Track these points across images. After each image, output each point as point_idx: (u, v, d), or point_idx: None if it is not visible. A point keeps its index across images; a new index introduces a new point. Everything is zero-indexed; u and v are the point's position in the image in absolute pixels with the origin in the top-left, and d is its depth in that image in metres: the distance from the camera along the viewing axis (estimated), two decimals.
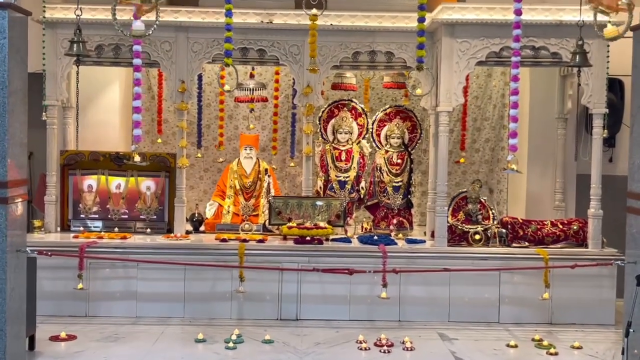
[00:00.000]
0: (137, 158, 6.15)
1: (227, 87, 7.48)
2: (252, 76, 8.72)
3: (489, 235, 7.43)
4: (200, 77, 8.69)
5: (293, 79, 7.79)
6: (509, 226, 7.46)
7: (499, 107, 9.11)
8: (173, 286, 7.14)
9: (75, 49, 5.84)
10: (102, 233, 7.54)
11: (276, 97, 8.97)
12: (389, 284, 6.76)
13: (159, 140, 9.01)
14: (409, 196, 8.16)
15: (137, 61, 5.88)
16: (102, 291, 7.15)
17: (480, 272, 7.12)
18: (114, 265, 7.15)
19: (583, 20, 6.05)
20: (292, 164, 9.05)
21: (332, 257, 7.15)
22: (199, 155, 9.03)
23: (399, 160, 8.12)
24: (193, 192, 9.16)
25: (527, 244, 7.39)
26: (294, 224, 7.39)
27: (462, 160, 8.87)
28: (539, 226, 7.49)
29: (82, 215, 7.88)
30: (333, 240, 7.48)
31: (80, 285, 6.73)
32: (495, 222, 7.55)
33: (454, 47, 7.25)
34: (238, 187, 8.20)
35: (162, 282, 7.15)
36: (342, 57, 7.64)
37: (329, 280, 7.04)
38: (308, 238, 7.22)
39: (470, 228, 7.45)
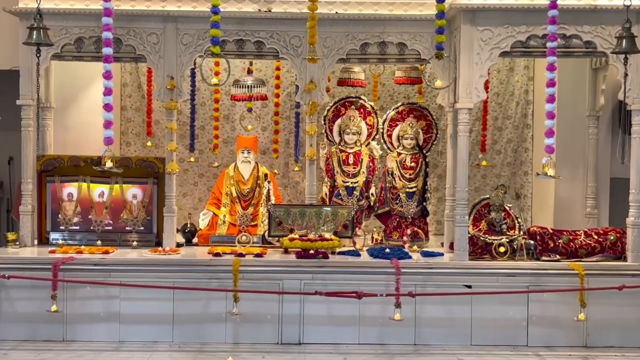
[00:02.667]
0: (108, 164, 5.38)
1: (214, 80, 6.73)
2: (249, 72, 8.12)
3: (515, 247, 6.72)
4: (193, 74, 8.02)
5: (295, 74, 7.13)
6: (538, 237, 6.74)
7: (522, 104, 8.53)
8: (160, 307, 6.48)
9: (35, 36, 5.06)
10: (82, 247, 6.83)
11: (277, 95, 8.35)
12: (403, 303, 6.12)
13: (149, 144, 8.42)
14: (424, 203, 7.51)
15: (107, 50, 5.17)
16: (80, 313, 6.48)
17: (506, 290, 6.42)
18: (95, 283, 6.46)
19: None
20: (296, 169, 8.50)
21: (339, 273, 6.50)
22: (192, 159, 8.46)
23: (413, 164, 7.48)
24: (187, 199, 8.58)
25: (558, 257, 6.67)
26: (296, 236, 6.85)
27: (483, 163, 8.17)
28: (571, 237, 6.75)
29: (61, 227, 7.22)
30: (340, 253, 6.87)
31: (54, 307, 6.18)
32: (521, 233, 6.83)
33: (475, 36, 6.55)
34: (235, 194, 7.58)
35: (148, 302, 6.47)
36: (349, 49, 7.01)
37: (336, 299, 6.33)
38: (312, 251, 6.62)
39: (494, 239, 6.73)
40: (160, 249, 6.84)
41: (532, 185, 8.44)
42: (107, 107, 5.27)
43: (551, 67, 5.13)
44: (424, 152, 7.57)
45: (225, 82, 6.90)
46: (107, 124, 5.27)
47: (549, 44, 5.09)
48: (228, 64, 6.30)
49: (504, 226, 6.80)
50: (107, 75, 5.30)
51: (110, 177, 7.16)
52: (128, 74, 8.49)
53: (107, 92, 5.28)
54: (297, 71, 6.99)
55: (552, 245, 6.68)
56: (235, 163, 7.69)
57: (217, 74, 7.89)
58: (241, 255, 6.62)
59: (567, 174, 7.78)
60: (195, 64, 7.21)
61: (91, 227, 7.20)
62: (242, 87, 7.75)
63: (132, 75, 8.48)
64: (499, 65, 8.06)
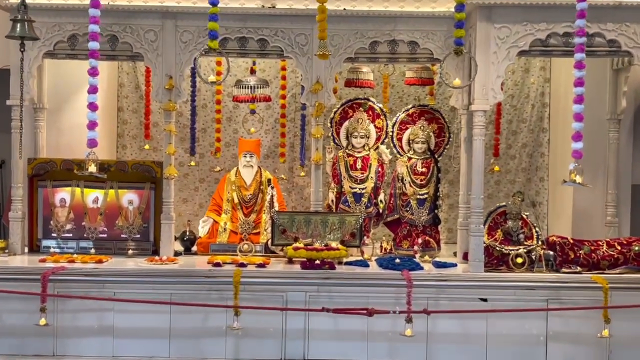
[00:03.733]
0: (92, 168, 5.01)
1: (212, 79, 6.37)
2: (252, 72, 7.82)
3: (534, 258, 6.34)
4: (193, 73, 7.72)
5: (301, 74, 6.82)
6: (557, 247, 6.36)
7: (538, 107, 8.26)
8: (157, 320, 6.11)
9: (18, 29, 4.69)
10: (75, 256, 6.48)
11: (283, 97, 8.08)
12: (415, 317, 5.76)
13: (147, 147, 8.15)
14: (436, 211, 7.18)
15: (93, 45, 4.80)
16: (72, 325, 6.12)
17: (524, 304, 6.08)
18: (87, 295, 6.08)
19: None
20: (301, 174, 8.21)
21: (346, 285, 6.13)
22: (193, 163, 8.19)
23: (424, 169, 7.15)
24: (187, 205, 8.32)
25: (579, 268, 6.29)
26: (301, 245, 6.52)
27: (496, 168, 7.85)
28: (593, 247, 6.38)
29: (53, 234, 6.89)
30: (347, 263, 6.51)
31: (42, 321, 5.82)
32: (539, 243, 6.46)
33: (491, 34, 6.19)
34: (236, 200, 7.26)
35: (144, 314, 6.09)
36: (358, 47, 6.66)
37: None
38: (317, 262, 6.25)
39: (510, 250, 6.37)
40: (157, 258, 6.49)
41: (549, 192, 8.13)
42: (92, 107, 4.91)
43: (579, 65, 4.76)
44: (436, 156, 7.24)
45: (224, 80, 6.55)
46: (91, 125, 4.91)
47: (577, 40, 4.73)
48: (227, 62, 5.94)
49: (522, 236, 6.44)
50: (93, 72, 4.94)
51: (105, 182, 6.81)
52: (125, 73, 8.21)
53: (92, 90, 4.92)
54: (303, 71, 6.66)
55: (572, 256, 6.32)
56: (237, 167, 7.37)
57: (218, 74, 7.57)
58: (242, 265, 6.28)
59: (586, 181, 7.29)
60: (195, 63, 6.88)
61: (85, 235, 6.87)
62: (245, 88, 7.47)
63: (130, 75, 8.21)
64: (513, 66, 7.71)
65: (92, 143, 5.02)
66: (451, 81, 6.36)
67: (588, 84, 7.07)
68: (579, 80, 4.78)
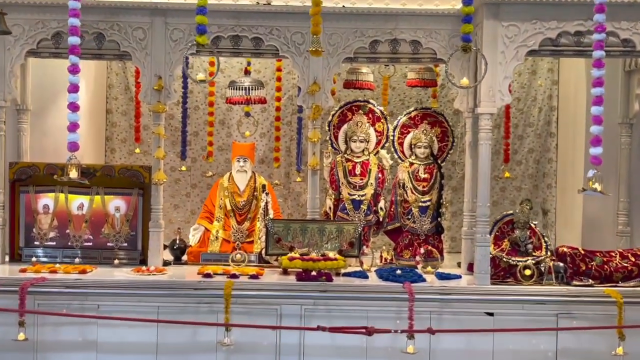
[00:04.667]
0: (72, 173, 4.66)
1: (200, 76, 6.04)
2: (247, 72, 7.57)
3: (543, 270, 6.02)
4: (185, 74, 7.33)
5: (297, 75, 6.53)
6: (568, 258, 6.04)
7: (546, 110, 8.03)
8: (143, 334, 5.77)
9: None
10: (58, 266, 6.13)
11: (278, 99, 7.85)
12: (417, 333, 5.45)
13: (137, 150, 7.89)
14: (439, 219, 6.89)
15: (73, 40, 4.43)
16: (53, 340, 5.78)
17: (532, 318, 5.76)
18: (69, 308, 5.76)
19: None
20: (297, 179, 7.98)
21: (344, 299, 5.83)
22: (184, 168, 7.93)
23: (427, 175, 6.88)
24: (178, 212, 8.09)
25: (591, 281, 5.97)
26: (297, 255, 6.24)
27: (507, 174, 7.61)
28: (605, 258, 6.06)
29: (36, 242, 6.54)
30: (345, 275, 6.23)
31: (21, 336, 5.52)
32: (549, 254, 6.16)
33: (499, 33, 5.89)
34: (229, 207, 6.95)
35: (129, 328, 5.74)
36: (357, 47, 6.35)
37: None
38: (314, 273, 5.97)
39: (518, 261, 6.05)
40: (144, 268, 6.15)
41: (557, 200, 7.85)
42: (72, 107, 4.55)
43: (598, 63, 4.42)
44: (439, 162, 6.95)
45: (214, 79, 6.24)
46: (72, 127, 4.56)
47: (596, 37, 4.41)
48: (217, 59, 5.62)
49: (530, 246, 6.13)
50: (73, 70, 4.58)
51: (90, 187, 6.48)
52: (114, 74, 7.93)
53: (73, 88, 4.57)
54: (299, 71, 6.36)
55: (583, 268, 5.99)
56: (230, 173, 7.07)
57: (211, 74, 7.24)
58: (234, 276, 5.94)
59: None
60: (186, 62, 6.57)
61: (69, 243, 6.52)
62: (239, 89, 7.16)
63: (119, 76, 7.94)
64: (520, 67, 7.43)
65: (73, 146, 4.67)
66: (458, 81, 6.00)
67: None
68: (597, 80, 4.44)
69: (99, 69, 7.71)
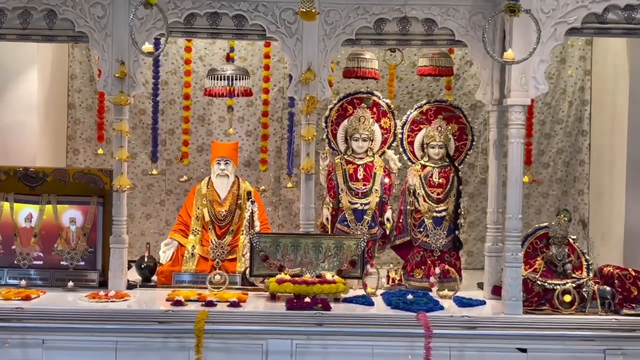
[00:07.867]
0: None
1: (147, 47, 5.13)
2: (229, 58, 6.74)
3: (586, 295, 5.20)
4: (156, 60, 6.74)
5: (288, 62, 5.82)
6: (616, 281, 5.27)
7: (577, 105, 7.30)
8: None
9: None
10: None
11: (266, 91, 7.20)
12: None
13: (100, 151, 7.16)
14: (456, 232, 6.13)
15: None
16: None
17: (574, 355, 4.99)
18: (9, 343, 4.92)
19: None
20: (289, 185, 7.33)
21: (344, 334, 5.04)
22: (154, 172, 7.17)
23: (442, 180, 6.18)
24: (151, 223, 7.33)
25: None
26: (287, 276, 5.57)
27: (525, 179, 6.85)
28: None
29: None
30: (346, 300, 5.51)
31: None
32: (591, 275, 5.39)
33: (534, 6, 5.12)
34: (207, 218, 6.20)
35: None
36: (360, 27, 5.68)
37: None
38: (308, 299, 5.26)
39: (556, 284, 5.25)
40: (102, 293, 5.33)
41: (589, 208, 7.11)
42: None
43: None
44: (456, 164, 6.21)
45: (163, 50, 5.39)
46: None
47: None
48: (165, 19, 4.78)
49: (569, 265, 5.40)
50: None
51: (41, 194, 5.72)
52: (77, 63, 7.23)
53: None
54: (290, 55, 5.64)
55: (635, 293, 5.28)
56: (209, 178, 6.31)
57: (187, 62, 6.36)
58: (210, 304, 5.14)
59: None
60: (158, 44, 5.71)
61: (15, 262, 5.79)
62: (220, 79, 6.51)
63: (83, 64, 7.24)
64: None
65: None
66: (503, 55, 5.06)
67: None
68: None
69: (58, 55, 6.96)
